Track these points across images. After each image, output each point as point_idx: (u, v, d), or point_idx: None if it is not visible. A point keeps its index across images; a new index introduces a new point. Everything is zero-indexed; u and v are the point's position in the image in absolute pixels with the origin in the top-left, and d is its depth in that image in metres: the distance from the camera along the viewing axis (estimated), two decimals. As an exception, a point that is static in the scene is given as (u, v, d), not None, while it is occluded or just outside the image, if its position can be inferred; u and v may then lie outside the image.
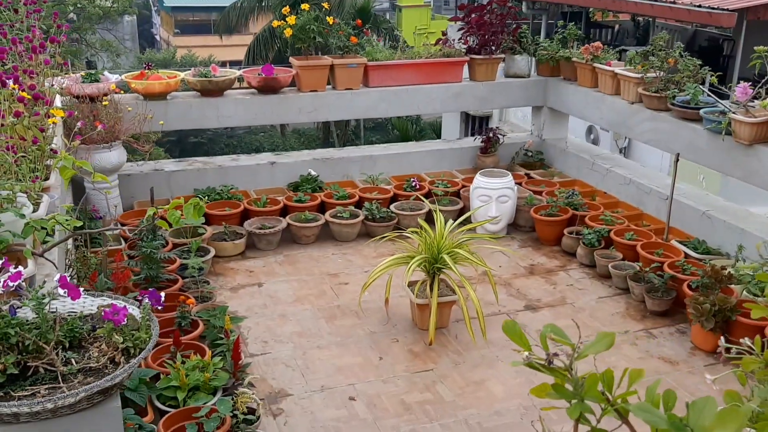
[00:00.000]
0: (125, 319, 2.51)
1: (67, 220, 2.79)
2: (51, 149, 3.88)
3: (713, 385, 1.49)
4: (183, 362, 4.13)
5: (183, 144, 26.36)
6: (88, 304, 2.82)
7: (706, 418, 1.14)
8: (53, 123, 3.60)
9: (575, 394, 1.14)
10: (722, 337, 1.56)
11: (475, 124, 17.14)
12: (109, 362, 2.53)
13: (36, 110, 3.65)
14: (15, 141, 3.51)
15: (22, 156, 3.29)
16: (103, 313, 2.56)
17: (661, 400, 1.22)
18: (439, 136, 19.54)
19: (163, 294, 2.64)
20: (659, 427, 1.14)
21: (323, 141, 25.07)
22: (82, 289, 2.52)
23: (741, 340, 1.50)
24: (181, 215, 2.85)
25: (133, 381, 3.88)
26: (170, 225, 2.76)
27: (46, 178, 3.73)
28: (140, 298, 2.67)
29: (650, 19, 16.04)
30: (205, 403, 3.91)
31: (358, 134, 25.94)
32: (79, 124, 4.15)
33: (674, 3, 12.73)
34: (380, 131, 27.05)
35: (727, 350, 1.55)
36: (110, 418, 2.48)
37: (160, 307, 2.60)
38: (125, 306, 2.56)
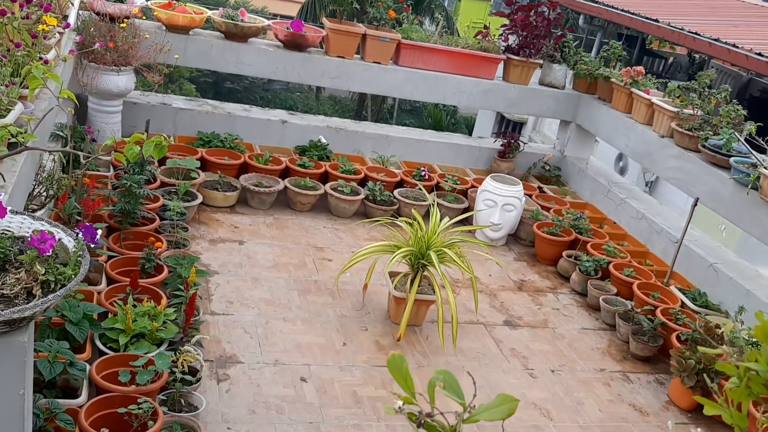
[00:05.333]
0: (51, 250, 2.31)
1: (21, 133, 2.58)
2: (41, 58, 3.67)
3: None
4: (135, 306, 3.95)
5: (218, 87, 26.13)
6: (26, 225, 2.62)
7: None
8: (42, 29, 3.39)
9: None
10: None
11: (508, 127, 16.81)
12: (24, 293, 2.34)
13: (29, 14, 3.44)
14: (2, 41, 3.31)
15: (-2, 57, 3.09)
16: (30, 239, 2.36)
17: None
18: (471, 133, 19.20)
19: (99, 226, 2.43)
20: None
21: (356, 113, 24.76)
22: (9, 208, 2.31)
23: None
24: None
25: (77, 315, 3.69)
26: (127, 160, 2.54)
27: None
28: (77, 231, 2.47)
29: (706, 58, 15.59)
30: (145, 353, 3.72)
31: (393, 114, 25.58)
32: (77, 38, 3.93)
33: (734, 46, 12.30)
34: (416, 115, 26.65)
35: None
36: (13, 352, 2.29)
37: (93, 245, 2.39)
38: (54, 236, 2.36)
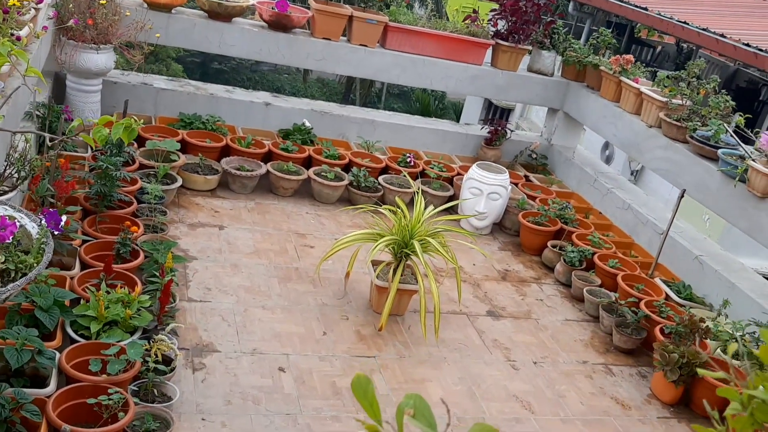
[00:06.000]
0: (11, 237, 2.20)
1: (-15, 113, 2.46)
2: (12, 34, 3.54)
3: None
4: (108, 292, 3.83)
5: (206, 68, 25.81)
6: (-10, 210, 2.51)
7: None
8: (14, 4, 3.25)
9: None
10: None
11: (496, 114, 16.72)
12: (-17, 281, 2.23)
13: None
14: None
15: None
16: (-10, 225, 2.25)
17: None
18: (459, 119, 19.07)
19: (74, 209, 2.32)
20: None
21: (344, 97, 24.55)
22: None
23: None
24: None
25: (48, 301, 3.57)
26: (95, 142, 2.43)
27: (-2, 64, 3.39)
28: (40, 217, 2.36)
29: (694, 48, 15.53)
30: (118, 341, 3.62)
31: (381, 98, 25.37)
32: (50, 13, 3.79)
33: (722, 36, 12.24)
34: (404, 100, 26.44)
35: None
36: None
37: (57, 232, 2.28)
38: (16, 221, 2.25)
